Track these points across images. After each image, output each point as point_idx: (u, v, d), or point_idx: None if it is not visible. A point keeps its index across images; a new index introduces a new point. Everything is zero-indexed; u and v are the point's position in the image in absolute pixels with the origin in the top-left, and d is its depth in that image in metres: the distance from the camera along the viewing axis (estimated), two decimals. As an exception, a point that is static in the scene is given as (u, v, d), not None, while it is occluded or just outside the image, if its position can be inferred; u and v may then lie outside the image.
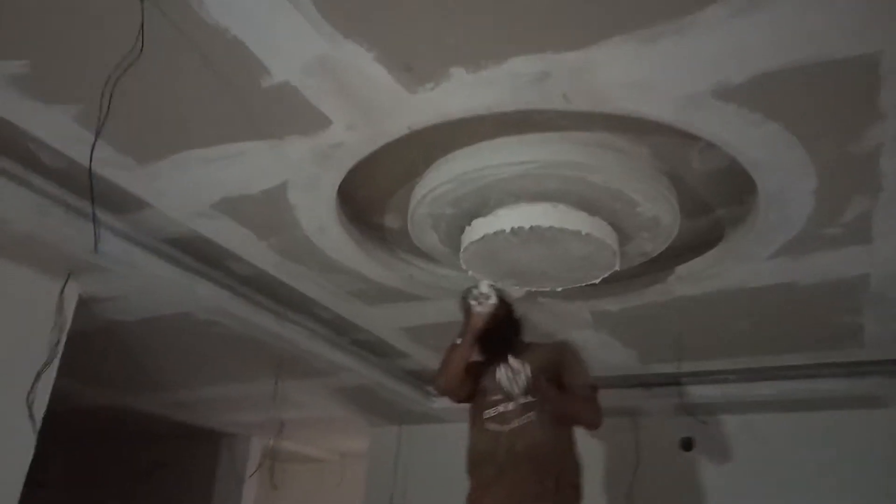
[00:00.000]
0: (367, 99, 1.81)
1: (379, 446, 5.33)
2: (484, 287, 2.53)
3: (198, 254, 2.86)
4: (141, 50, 1.54)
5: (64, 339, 2.82)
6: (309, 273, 2.95)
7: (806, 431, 4.08)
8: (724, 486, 4.15)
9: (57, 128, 1.99)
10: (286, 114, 1.87)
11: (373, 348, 4.06)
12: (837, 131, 1.83)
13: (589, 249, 2.31)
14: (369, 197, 2.54)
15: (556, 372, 2.54)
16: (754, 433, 4.18)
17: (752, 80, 1.66)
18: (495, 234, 2.24)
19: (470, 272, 2.52)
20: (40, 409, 2.66)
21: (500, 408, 2.51)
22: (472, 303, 2.53)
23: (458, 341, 2.59)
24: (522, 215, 2.20)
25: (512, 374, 2.49)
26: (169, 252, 2.82)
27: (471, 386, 2.64)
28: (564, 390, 2.51)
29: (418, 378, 4.55)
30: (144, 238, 2.68)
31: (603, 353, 3.60)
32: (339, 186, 2.26)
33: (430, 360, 4.13)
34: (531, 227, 2.19)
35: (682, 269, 2.74)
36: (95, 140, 1.83)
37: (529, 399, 2.48)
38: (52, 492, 6.73)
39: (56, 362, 2.77)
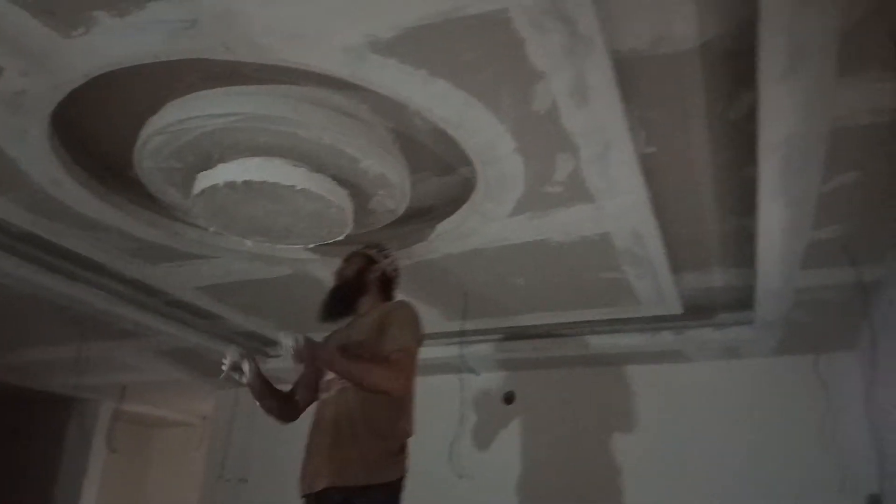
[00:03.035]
0: (25, 45, 1.74)
1: (221, 409, 5.30)
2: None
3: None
4: None
5: None
6: (70, 230, 2.85)
7: (618, 384, 4.29)
8: (539, 436, 4.33)
9: None
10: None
11: (188, 308, 3.98)
12: (509, 89, 1.87)
13: (316, 205, 2.31)
14: (115, 150, 2.45)
15: (378, 339, 2.37)
16: (573, 387, 4.36)
17: (401, 34, 1.67)
18: (213, 187, 2.21)
19: (211, 229, 2.48)
20: None
21: (327, 377, 2.46)
22: (239, 379, 2.48)
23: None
24: (236, 169, 2.18)
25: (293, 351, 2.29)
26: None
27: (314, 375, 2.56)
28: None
29: (251, 338, 4.50)
30: None
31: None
32: (73, 134, 2.18)
33: (248, 320, 4.10)
34: (244, 182, 2.17)
35: (440, 227, 2.78)
36: None
37: None
38: None
39: None
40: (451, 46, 1.71)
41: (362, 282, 2.57)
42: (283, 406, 2.59)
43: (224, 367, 2.44)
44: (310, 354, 2.21)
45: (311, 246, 2.68)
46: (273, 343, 4.58)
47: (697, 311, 3.63)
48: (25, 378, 5.36)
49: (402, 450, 2.33)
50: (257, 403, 2.56)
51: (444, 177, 2.60)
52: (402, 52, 1.73)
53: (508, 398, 4.57)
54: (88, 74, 1.87)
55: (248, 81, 2.05)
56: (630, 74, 1.89)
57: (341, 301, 2.57)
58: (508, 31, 1.65)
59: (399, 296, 2.69)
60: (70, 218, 2.72)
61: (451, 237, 2.80)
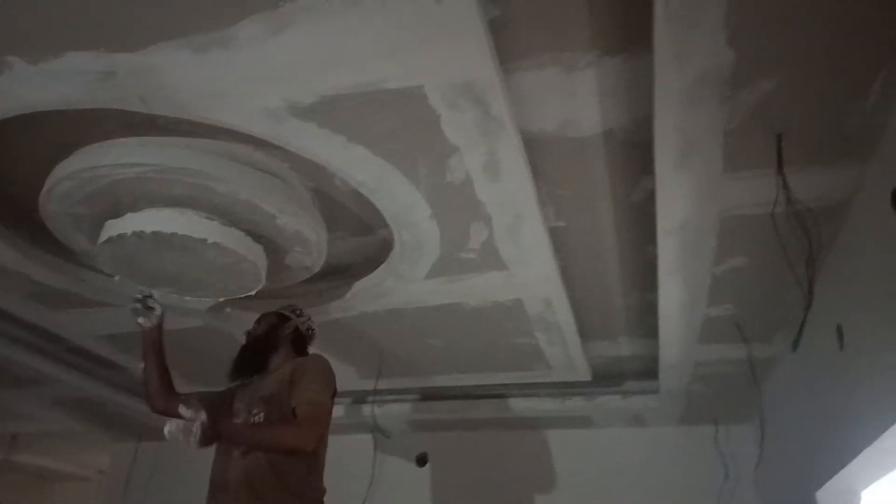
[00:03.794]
0: (-72, 81, 1.68)
1: (116, 463, 5.02)
2: (140, 294, 2.43)
3: None
4: None
5: None
6: (-32, 272, 2.71)
7: (531, 448, 4.32)
8: (452, 498, 4.28)
9: None
10: None
11: (90, 357, 3.80)
12: (425, 160, 1.94)
13: (228, 259, 2.29)
14: (22, 192, 2.37)
15: (288, 393, 2.29)
16: (486, 450, 4.36)
17: (321, 101, 1.72)
18: (120, 236, 2.16)
19: (116, 277, 2.42)
20: None
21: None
22: (139, 320, 2.45)
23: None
24: (146, 219, 2.14)
25: (183, 426, 2.06)
26: None
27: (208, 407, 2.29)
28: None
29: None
30: None
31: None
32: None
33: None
34: (154, 233, 2.14)
35: (356, 286, 2.79)
36: None
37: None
38: None
39: None
40: (370, 116, 1.77)
41: (274, 338, 2.53)
42: (161, 381, 2.47)
43: (137, 298, 2.41)
44: (214, 434, 2.12)
45: (222, 299, 2.63)
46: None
47: (606, 378, 3.73)
48: None
49: None
50: (141, 364, 2.48)
51: (362, 237, 2.63)
52: (322, 117, 1.78)
53: (421, 460, 4.51)
54: (2, 117, 1.82)
55: (164, 132, 2.04)
56: (540, 153, 2.00)
57: (252, 357, 2.52)
58: (424, 107, 1.72)
59: (313, 352, 2.66)
60: (-32, 259, 2.60)
61: (367, 296, 2.82)
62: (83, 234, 2.38)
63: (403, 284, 2.70)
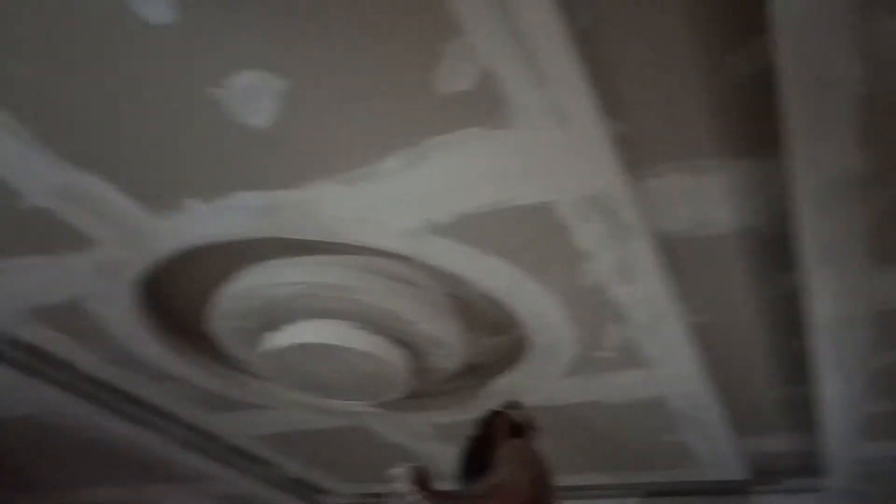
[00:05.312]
0: (120, 222, 1.97)
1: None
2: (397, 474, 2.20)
3: (38, 356, 2.93)
4: None
5: None
6: (139, 379, 3.01)
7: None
8: None
9: None
10: (50, 233, 2.02)
11: (244, 455, 4.04)
12: (557, 267, 1.99)
13: (374, 366, 2.41)
14: (193, 305, 2.65)
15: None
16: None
17: (458, 219, 1.83)
18: (278, 348, 2.34)
19: (273, 384, 2.60)
20: None
21: None
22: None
23: None
24: (300, 331, 2.32)
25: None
26: (7, 353, 2.88)
27: None
28: None
29: (303, 486, 4.49)
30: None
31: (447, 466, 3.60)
32: (155, 295, 2.39)
33: (303, 469, 4.13)
34: (307, 344, 2.30)
35: (493, 385, 2.82)
36: None
37: None
38: None
39: None
40: (503, 230, 1.86)
41: (491, 435, 2.45)
42: None
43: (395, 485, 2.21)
44: None
45: (370, 403, 2.75)
46: (323, 491, 4.56)
47: (762, 475, 3.48)
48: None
49: None
50: None
51: (496, 337, 2.68)
52: (457, 233, 1.88)
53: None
54: (175, 249, 2.08)
55: (314, 252, 2.22)
56: (675, 252, 1.99)
57: (474, 456, 2.44)
58: (555, 219, 1.78)
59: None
60: (142, 368, 2.89)
61: (504, 395, 2.83)
62: (244, 345, 2.59)
63: (540, 383, 2.71)
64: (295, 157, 1.69)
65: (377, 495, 4.14)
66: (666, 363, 2.45)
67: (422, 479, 2.10)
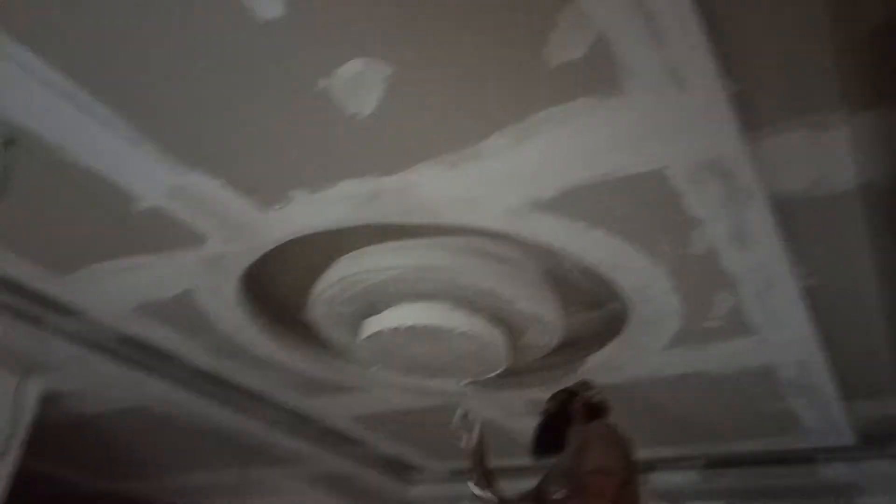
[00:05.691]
0: (228, 218, 2.01)
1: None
2: (457, 415, 2.36)
3: (144, 350, 3.05)
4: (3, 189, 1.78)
5: (21, 433, 3.02)
6: (244, 368, 3.11)
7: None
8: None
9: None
10: (162, 232, 2.09)
11: (339, 436, 4.14)
12: (665, 236, 1.93)
13: (473, 345, 2.41)
14: (292, 294, 2.70)
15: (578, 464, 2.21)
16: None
17: (563, 194, 1.79)
18: (378, 332, 2.37)
19: (373, 368, 2.64)
20: (-1, 500, 2.84)
21: None
22: (462, 439, 2.40)
23: None
24: (401, 315, 2.33)
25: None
26: (115, 349, 3.02)
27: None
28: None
29: (393, 465, 4.58)
30: (92, 337, 2.88)
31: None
32: (255, 286, 2.45)
33: (396, 447, 4.21)
34: (409, 327, 2.31)
35: (591, 360, 2.79)
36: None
37: None
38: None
39: (12, 455, 2.96)
40: (609, 201, 1.81)
41: (566, 414, 2.42)
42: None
43: (456, 420, 2.38)
44: None
45: (466, 381, 2.76)
46: (415, 468, 4.65)
47: (871, 440, 3.34)
48: (175, 499, 5.68)
49: None
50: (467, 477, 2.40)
51: (592, 312, 2.64)
52: (562, 208, 1.85)
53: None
54: (279, 241, 2.11)
55: (411, 235, 2.23)
56: (790, 214, 1.90)
57: (547, 436, 2.44)
58: (666, 187, 1.72)
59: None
60: (245, 357, 2.98)
61: (601, 369, 2.80)
62: (343, 330, 2.63)
63: (640, 356, 2.66)
64: (399, 141, 1.68)
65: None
66: (777, 329, 2.36)
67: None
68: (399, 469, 4.63)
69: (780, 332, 2.37)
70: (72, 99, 1.61)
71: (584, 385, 2.53)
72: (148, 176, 1.85)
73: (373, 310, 2.44)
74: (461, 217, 1.93)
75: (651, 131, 1.56)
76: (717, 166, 1.63)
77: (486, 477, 2.43)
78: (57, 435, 3.88)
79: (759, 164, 1.68)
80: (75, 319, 2.72)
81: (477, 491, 2.09)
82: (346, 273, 2.29)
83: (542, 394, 3.10)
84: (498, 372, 2.60)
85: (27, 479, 3.27)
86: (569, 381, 2.56)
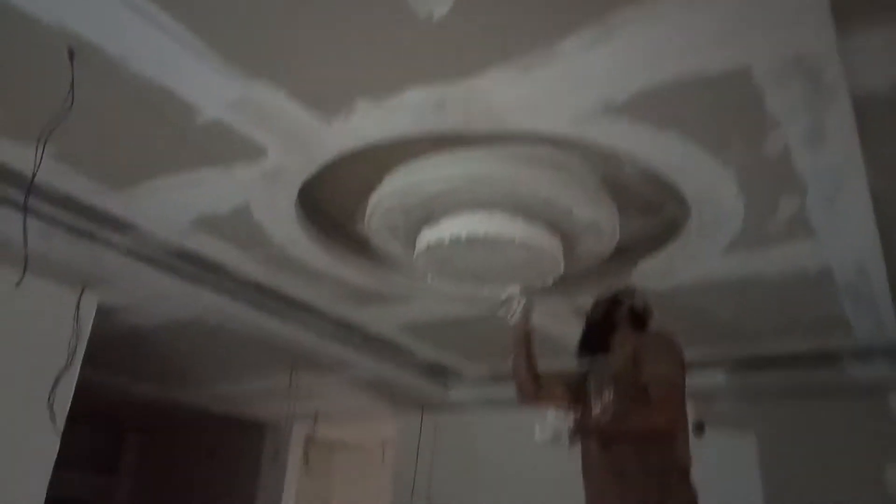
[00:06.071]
0: (290, 129, 1.98)
1: (403, 434, 5.55)
2: (505, 294, 2.48)
3: (198, 264, 3.10)
4: (71, 104, 1.76)
5: (83, 345, 3.13)
6: (296, 280, 3.15)
7: (811, 420, 4.02)
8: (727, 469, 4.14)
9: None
10: (224, 145, 2.07)
11: (384, 344, 4.25)
12: (740, 138, 1.88)
13: (530, 255, 2.42)
14: (344, 208, 2.71)
15: (635, 372, 2.24)
16: (762, 419, 4.15)
17: (634, 97, 1.74)
18: (438, 242, 2.37)
19: (429, 278, 2.66)
20: (62, 410, 2.97)
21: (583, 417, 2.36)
22: (508, 316, 2.52)
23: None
24: (460, 224, 2.33)
25: (552, 434, 2.16)
26: (170, 263, 3.06)
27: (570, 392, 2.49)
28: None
29: (433, 369, 4.71)
30: (146, 252, 2.92)
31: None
32: (309, 200, 2.46)
33: (437, 353, 4.32)
34: (467, 236, 2.32)
35: (643, 266, 2.80)
36: (32, 180, 2.05)
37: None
38: (125, 477, 7.36)
39: (76, 366, 3.08)
40: (684, 103, 1.76)
41: (611, 320, 2.49)
42: (528, 373, 2.49)
43: (504, 298, 2.49)
44: (580, 434, 2.21)
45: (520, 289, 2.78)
46: (455, 375, 4.79)
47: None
48: (225, 405, 5.93)
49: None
50: (512, 355, 2.53)
51: (647, 217, 2.62)
52: (633, 112, 1.80)
53: (699, 427, 4.43)
54: (340, 153, 2.09)
55: (468, 144, 2.19)
56: (865, 114, 1.84)
57: (593, 339, 2.52)
58: (746, 87, 1.66)
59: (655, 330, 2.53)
60: (298, 269, 3.02)
61: (654, 275, 2.81)
62: (399, 242, 2.65)
63: (695, 261, 2.66)
64: (469, 45, 1.62)
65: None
66: (839, 234, 2.34)
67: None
68: (439, 373, 4.77)
69: (844, 237, 2.35)
70: (134, 8, 1.56)
71: (628, 291, 2.55)
72: (210, 87, 1.81)
73: (430, 220, 2.44)
74: (526, 123, 1.89)
75: (736, 27, 1.49)
76: (803, 63, 1.56)
77: (530, 360, 2.52)
78: (114, 346, 4.03)
79: (847, 62, 1.61)
80: (131, 234, 2.76)
81: (556, 416, 2.19)
82: (403, 184, 2.27)
83: (590, 300, 3.14)
84: (551, 281, 2.62)
85: (87, 387, 3.42)
86: (613, 287, 2.60)
